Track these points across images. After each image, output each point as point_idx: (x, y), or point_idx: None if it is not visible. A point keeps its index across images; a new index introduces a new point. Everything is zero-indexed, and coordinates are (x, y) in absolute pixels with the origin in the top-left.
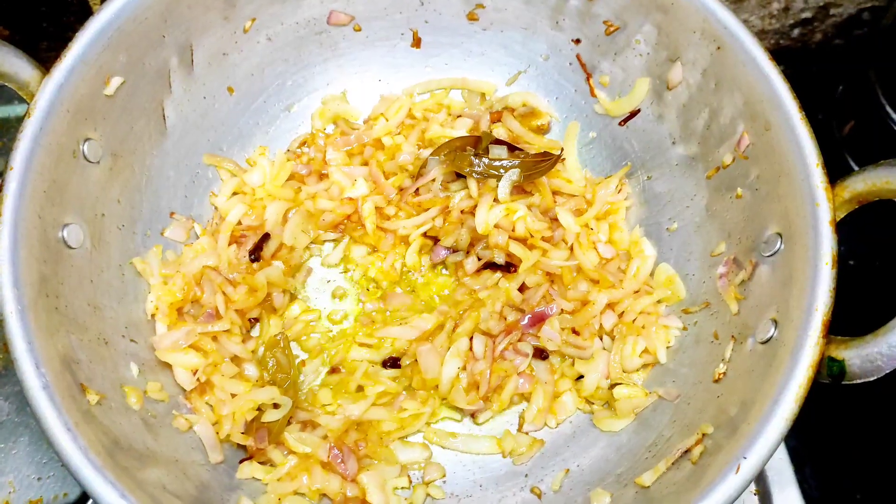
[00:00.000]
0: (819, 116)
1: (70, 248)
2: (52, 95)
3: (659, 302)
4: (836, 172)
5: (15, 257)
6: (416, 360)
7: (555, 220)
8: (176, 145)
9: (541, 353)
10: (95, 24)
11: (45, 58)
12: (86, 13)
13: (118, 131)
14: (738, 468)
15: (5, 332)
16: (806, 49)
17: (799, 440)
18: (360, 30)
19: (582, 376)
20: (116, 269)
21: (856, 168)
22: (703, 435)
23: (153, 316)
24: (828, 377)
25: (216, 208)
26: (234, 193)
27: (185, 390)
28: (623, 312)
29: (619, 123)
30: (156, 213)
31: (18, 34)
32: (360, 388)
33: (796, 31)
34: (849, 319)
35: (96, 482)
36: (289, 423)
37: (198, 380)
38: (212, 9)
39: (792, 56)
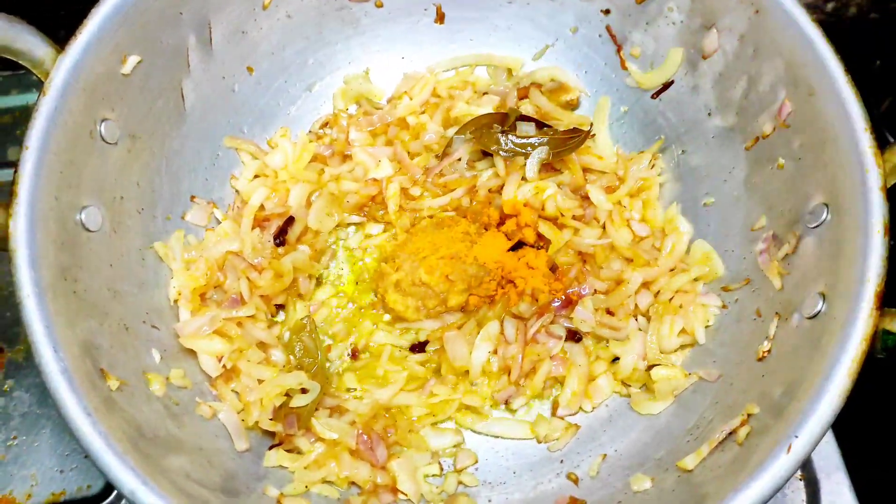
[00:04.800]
0: None
1: (89, 230)
2: (68, 74)
3: (696, 280)
4: None
5: (31, 239)
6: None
7: (586, 198)
8: (195, 127)
9: (574, 336)
10: (110, 1)
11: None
12: None
13: (136, 112)
14: (790, 448)
15: (22, 316)
16: (840, 24)
17: (847, 423)
18: (381, 6)
19: (618, 358)
20: (137, 253)
21: None
22: (749, 416)
23: (176, 301)
24: (883, 351)
25: (237, 192)
26: (256, 176)
27: (210, 377)
28: (659, 291)
29: (652, 96)
30: (176, 196)
31: (35, 23)
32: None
33: (830, 6)
34: None
35: (118, 469)
36: (316, 409)
37: (223, 366)
38: None
39: (826, 31)
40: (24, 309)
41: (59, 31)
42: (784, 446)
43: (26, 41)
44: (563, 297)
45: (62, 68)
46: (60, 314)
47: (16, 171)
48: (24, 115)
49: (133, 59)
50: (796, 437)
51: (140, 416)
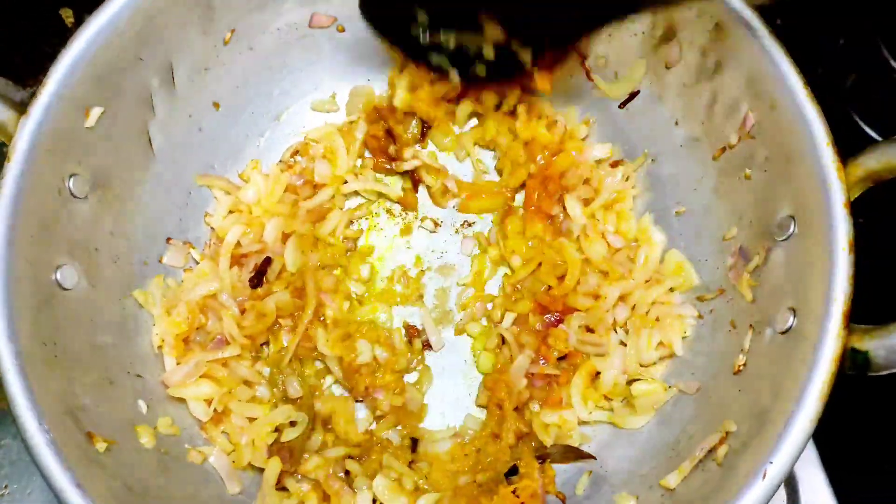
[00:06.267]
0: (819, 70)
1: (65, 289)
2: (32, 136)
3: (671, 290)
4: (839, 128)
5: (8, 310)
6: None
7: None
8: (165, 169)
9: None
10: (67, 58)
11: (22, 73)
12: (61, 27)
13: (104, 162)
14: (765, 474)
15: (5, 388)
16: (804, 0)
17: (825, 430)
18: (343, 30)
19: (599, 373)
20: (116, 304)
21: (861, 123)
22: (727, 433)
23: (159, 348)
24: (852, 368)
25: (213, 229)
26: (231, 212)
27: (200, 422)
28: (635, 304)
29: (619, 106)
30: (151, 240)
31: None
32: None
33: None
34: (869, 303)
35: None
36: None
37: (214, 410)
38: (189, 24)
39: (790, 9)
40: (5, 382)
41: (16, 56)
42: (760, 471)
43: None
44: (548, 320)
45: (25, 131)
46: (42, 382)
47: None
48: None
49: (96, 111)
50: (771, 462)
51: (129, 474)
